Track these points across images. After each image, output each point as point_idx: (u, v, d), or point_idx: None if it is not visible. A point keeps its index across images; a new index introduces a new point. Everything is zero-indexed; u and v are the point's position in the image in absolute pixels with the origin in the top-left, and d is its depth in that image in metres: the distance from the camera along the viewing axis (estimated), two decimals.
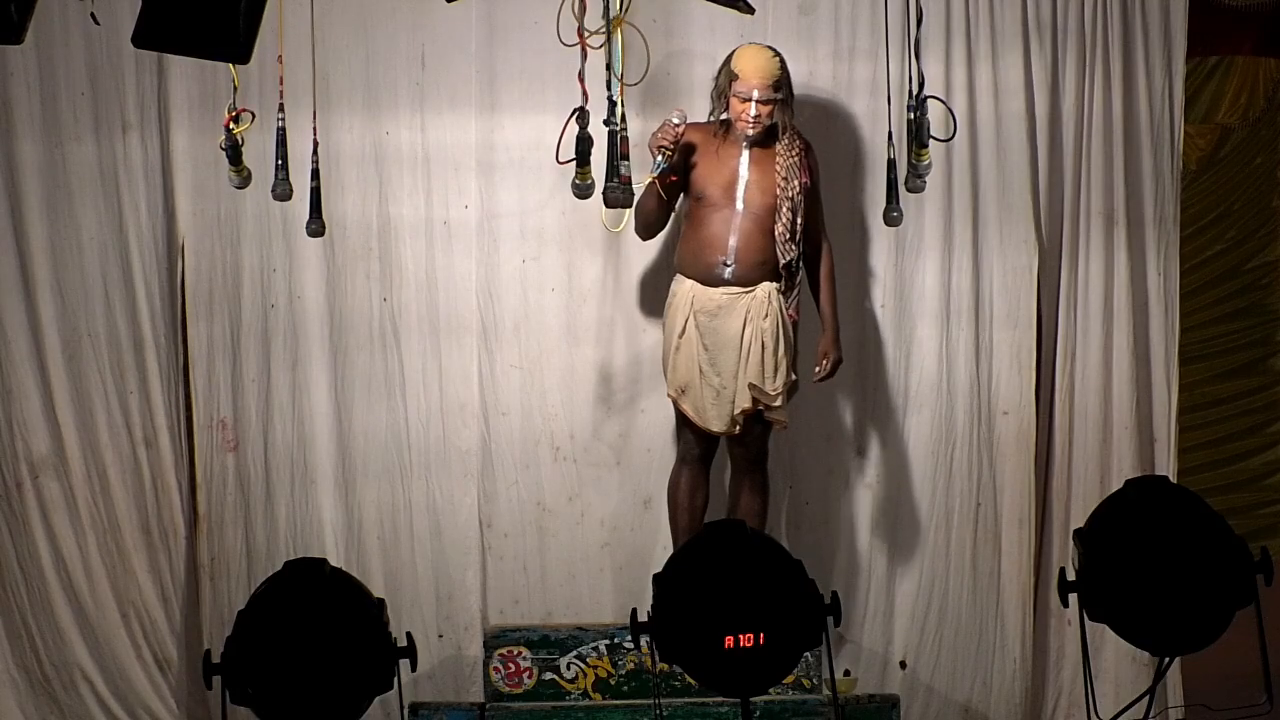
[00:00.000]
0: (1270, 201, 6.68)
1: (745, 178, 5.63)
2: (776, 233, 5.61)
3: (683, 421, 5.78)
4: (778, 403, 5.69)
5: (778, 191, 5.61)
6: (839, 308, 5.85)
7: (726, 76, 5.59)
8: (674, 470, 5.89)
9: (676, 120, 5.49)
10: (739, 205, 5.62)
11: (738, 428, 5.69)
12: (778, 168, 5.62)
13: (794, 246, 5.63)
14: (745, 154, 5.64)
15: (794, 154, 5.64)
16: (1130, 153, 6.25)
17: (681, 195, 5.70)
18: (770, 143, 5.64)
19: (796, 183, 5.63)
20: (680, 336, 5.67)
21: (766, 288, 5.64)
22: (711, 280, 5.64)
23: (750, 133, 5.59)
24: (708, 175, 5.62)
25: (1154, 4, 6.21)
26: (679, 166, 5.58)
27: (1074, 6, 6.18)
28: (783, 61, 5.59)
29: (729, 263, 5.62)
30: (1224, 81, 6.58)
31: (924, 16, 5.19)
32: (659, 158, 5.48)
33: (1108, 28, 6.20)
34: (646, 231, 5.75)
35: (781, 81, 5.58)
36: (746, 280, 5.64)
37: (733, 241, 5.62)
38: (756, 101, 5.55)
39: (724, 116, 5.64)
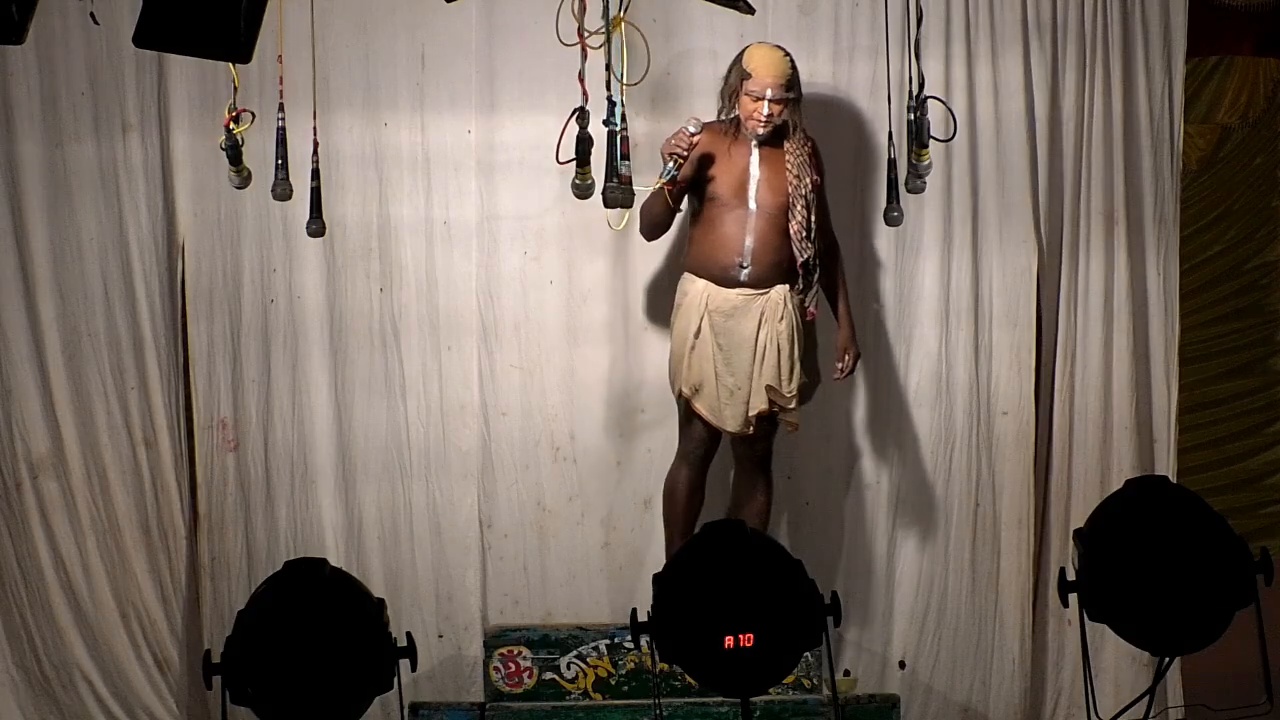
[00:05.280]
0: (1270, 201, 6.68)
1: (756, 177, 5.62)
2: (792, 231, 5.60)
3: (690, 421, 5.76)
4: (793, 405, 5.69)
5: (789, 190, 5.61)
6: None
7: (738, 75, 5.58)
8: (673, 470, 5.87)
9: (693, 129, 5.46)
10: (752, 205, 5.61)
11: (751, 428, 5.69)
12: (789, 166, 5.61)
13: (810, 244, 5.62)
14: (755, 153, 5.63)
15: (804, 152, 5.64)
16: (1130, 153, 6.25)
17: (685, 196, 5.69)
18: (779, 142, 5.63)
19: (808, 180, 5.62)
20: (695, 337, 5.65)
21: (781, 290, 5.64)
22: (726, 281, 5.63)
23: (761, 131, 5.58)
24: (718, 175, 5.60)
25: (1154, 4, 6.21)
26: (688, 174, 5.56)
27: (1074, 6, 6.18)
28: (793, 61, 5.59)
29: (745, 264, 5.61)
30: (1224, 81, 6.58)
31: (924, 16, 5.19)
32: (669, 164, 5.46)
33: (1108, 28, 6.20)
34: (652, 233, 5.73)
35: (793, 81, 5.57)
36: (761, 282, 5.63)
37: (749, 242, 5.61)
38: (769, 100, 5.54)
39: (733, 115, 5.63)
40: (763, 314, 5.63)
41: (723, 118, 5.65)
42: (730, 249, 5.61)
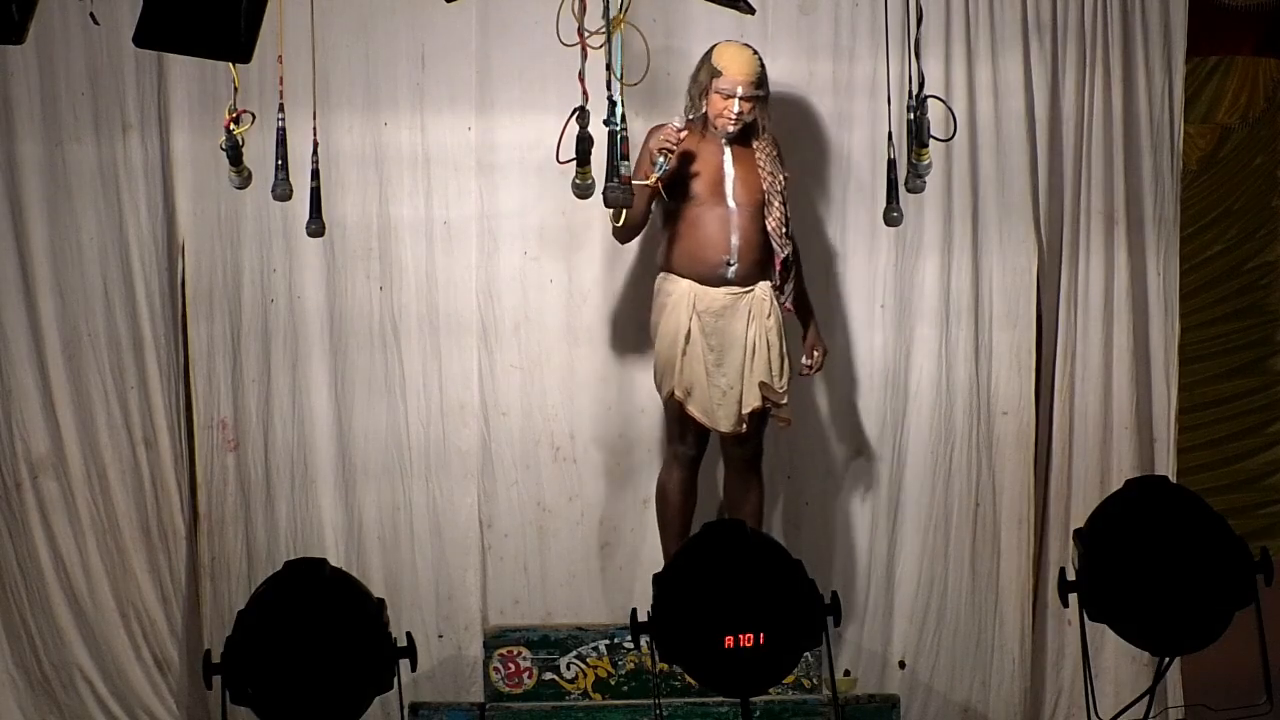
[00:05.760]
0: (1270, 201, 6.67)
1: (731, 175, 5.64)
2: (771, 227, 5.62)
3: (679, 423, 5.75)
4: (785, 400, 5.69)
5: (764, 186, 5.63)
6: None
7: (708, 73, 5.60)
8: (664, 473, 5.87)
9: (679, 124, 5.49)
10: (731, 203, 5.62)
11: (744, 426, 5.68)
12: (760, 163, 5.64)
13: (789, 240, 5.64)
14: (727, 151, 5.65)
15: (773, 149, 5.66)
16: (1130, 153, 6.25)
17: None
18: (747, 140, 5.66)
19: (781, 176, 5.65)
20: (686, 340, 5.65)
21: (764, 287, 5.65)
22: (713, 280, 5.63)
23: (731, 129, 5.61)
24: (695, 174, 5.61)
25: (1154, 4, 6.22)
26: (671, 171, 5.57)
27: (1074, 6, 6.18)
28: (762, 59, 5.60)
29: (732, 262, 5.62)
30: (1224, 81, 6.57)
31: (924, 16, 5.19)
32: (660, 159, 5.47)
33: (1108, 28, 6.20)
34: (629, 234, 5.72)
35: (763, 79, 5.60)
36: (747, 279, 5.64)
37: (735, 240, 5.61)
38: (740, 99, 5.56)
39: (701, 113, 5.63)
40: (750, 311, 5.64)
41: (691, 116, 5.65)
42: (717, 248, 5.61)
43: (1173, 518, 4.66)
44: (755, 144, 5.66)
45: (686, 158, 5.59)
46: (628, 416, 6.18)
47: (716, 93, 5.58)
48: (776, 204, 5.64)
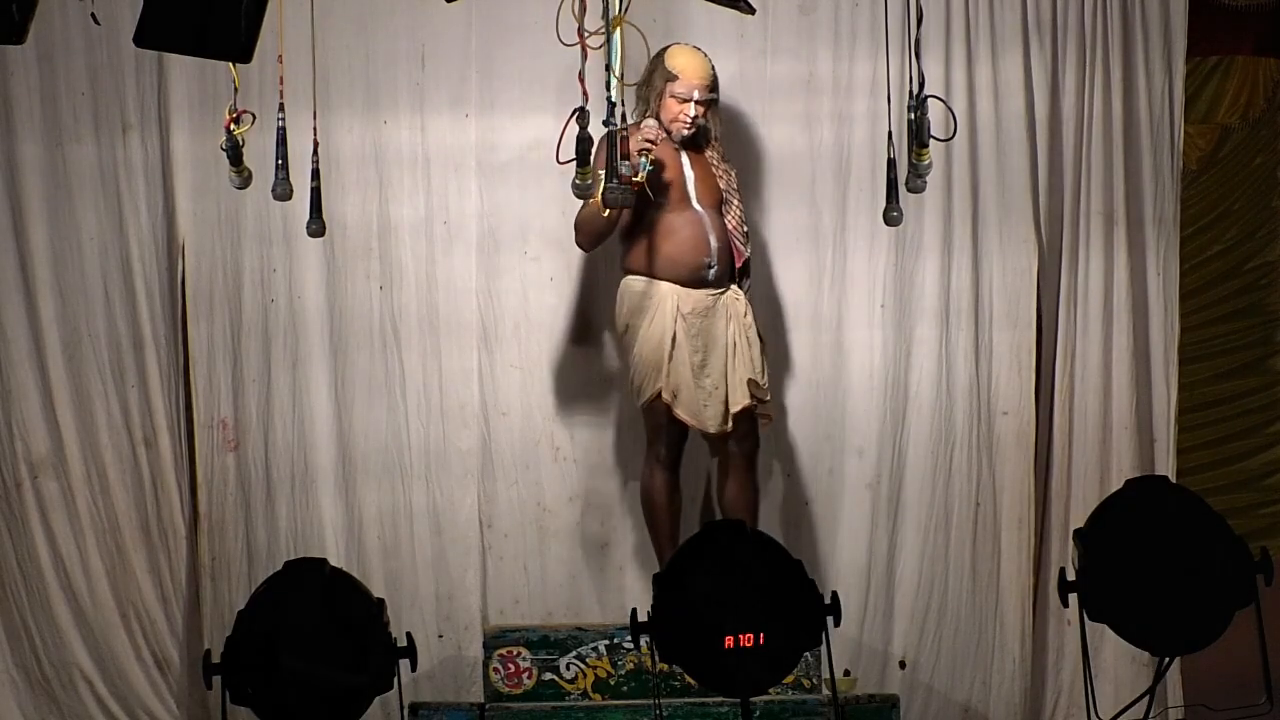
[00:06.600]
0: (1270, 201, 6.68)
1: (691, 178, 5.66)
2: (731, 227, 5.69)
3: (660, 425, 5.74)
4: (768, 397, 5.71)
5: (722, 187, 5.66)
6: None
7: (662, 77, 5.62)
8: (648, 476, 5.84)
9: (654, 122, 5.52)
10: (697, 207, 5.64)
11: (729, 425, 5.68)
12: (713, 164, 5.68)
13: (748, 240, 5.69)
14: (684, 155, 5.67)
15: (721, 147, 5.72)
16: (1130, 153, 6.25)
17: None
18: (698, 144, 5.70)
19: (734, 176, 5.68)
20: (672, 341, 5.65)
21: (734, 287, 5.71)
22: (695, 282, 5.65)
23: (686, 133, 5.64)
24: (663, 178, 5.61)
25: (1154, 4, 6.22)
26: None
27: (1074, 6, 6.18)
28: (712, 62, 5.61)
29: (713, 264, 5.66)
30: (1224, 81, 6.58)
31: (924, 16, 5.18)
32: (643, 159, 5.46)
33: (1108, 28, 6.20)
34: (595, 242, 5.70)
35: (716, 82, 5.64)
36: (722, 281, 5.69)
37: (714, 243, 5.64)
38: (695, 102, 5.58)
39: (652, 117, 5.63)
40: (727, 311, 5.67)
41: (645, 118, 5.63)
42: (699, 250, 5.64)
43: (1173, 518, 4.67)
44: (706, 147, 5.68)
45: (660, 163, 5.60)
46: (628, 416, 6.17)
47: (672, 96, 5.61)
48: (735, 203, 5.69)
